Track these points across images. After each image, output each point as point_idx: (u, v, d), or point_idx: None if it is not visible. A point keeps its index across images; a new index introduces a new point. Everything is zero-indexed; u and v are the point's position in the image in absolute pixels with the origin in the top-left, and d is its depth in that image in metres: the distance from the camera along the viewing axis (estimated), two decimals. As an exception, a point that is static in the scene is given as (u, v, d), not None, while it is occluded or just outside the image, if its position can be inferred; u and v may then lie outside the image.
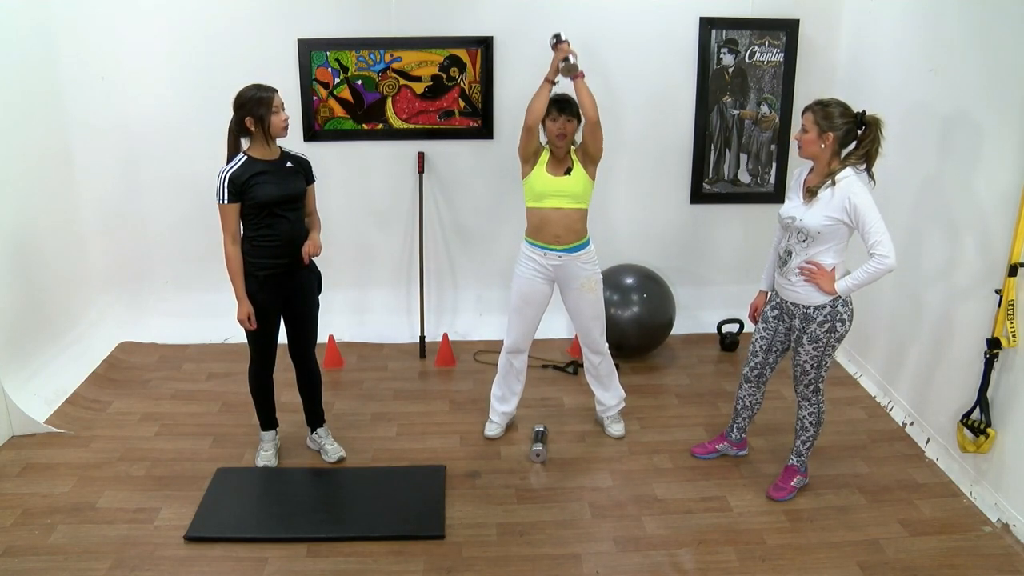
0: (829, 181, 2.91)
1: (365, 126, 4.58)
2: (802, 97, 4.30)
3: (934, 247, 3.61)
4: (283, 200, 3.14)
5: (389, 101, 4.54)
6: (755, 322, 3.36)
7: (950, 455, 3.45)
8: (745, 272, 4.82)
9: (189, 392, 4.19)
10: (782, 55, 4.57)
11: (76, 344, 4.31)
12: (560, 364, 4.52)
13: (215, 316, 4.57)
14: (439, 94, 4.54)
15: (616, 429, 3.77)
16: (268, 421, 3.52)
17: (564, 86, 3.59)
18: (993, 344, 3.12)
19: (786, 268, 3.07)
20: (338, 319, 4.72)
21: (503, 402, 3.75)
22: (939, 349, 3.59)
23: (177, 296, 4.83)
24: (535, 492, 3.36)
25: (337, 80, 4.48)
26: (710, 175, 4.79)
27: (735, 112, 4.67)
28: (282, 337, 3.38)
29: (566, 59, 3.24)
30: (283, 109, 3.10)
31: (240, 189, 3.06)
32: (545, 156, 3.40)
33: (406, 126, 4.59)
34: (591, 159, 3.38)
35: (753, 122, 4.71)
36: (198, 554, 2.95)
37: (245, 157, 3.11)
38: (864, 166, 2.93)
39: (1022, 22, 3.03)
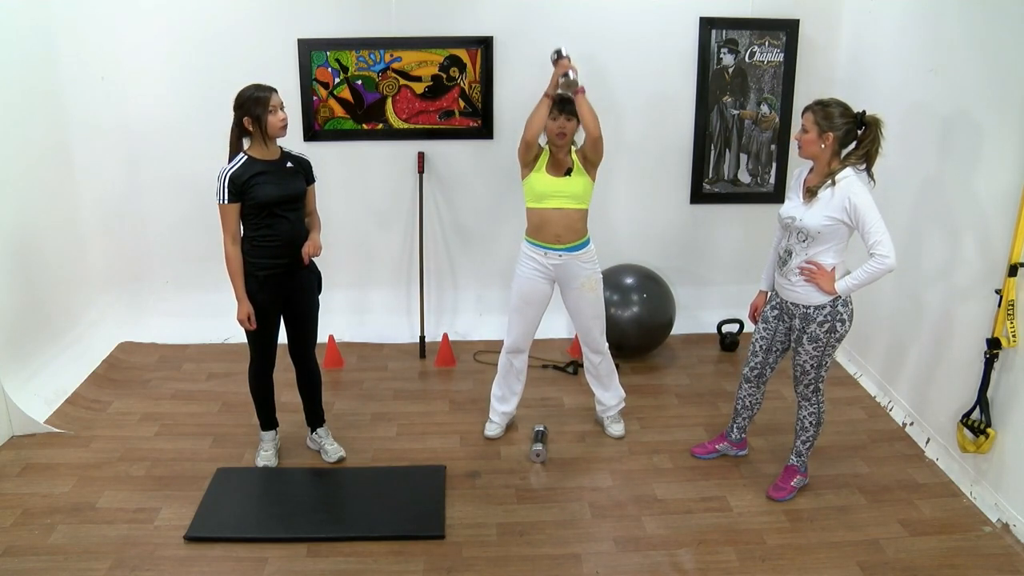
0: (829, 181, 2.91)
1: (365, 126, 4.58)
2: (802, 97, 4.30)
3: (934, 247, 3.61)
4: (283, 200, 3.14)
5: (389, 101, 4.54)
6: (755, 322, 3.36)
7: (950, 455, 3.46)
8: (745, 272, 4.82)
9: (189, 392, 4.19)
10: (782, 55, 4.58)
11: (76, 344, 4.31)
12: (560, 364, 4.52)
13: (215, 316, 4.57)
14: (439, 94, 4.54)
15: (616, 429, 3.77)
16: (268, 421, 3.52)
17: (565, 98, 3.60)
18: (993, 344, 3.12)
19: (786, 268, 3.07)
20: (338, 319, 4.72)
21: (503, 402, 3.75)
22: (939, 349, 3.59)
23: (177, 296, 4.83)
24: (535, 492, 3.36)
25: (337, 80, 4.48)
26: (710, 175, 4.79)
27: (735, 112, 4.67)
28: (282, 337, 3.38)
29: (566, 75, 3.22)
30: (281, 109, 3.10)
31: (240, 189, 3.06)
32: (545, 156, 3.40)
33: (406, 126, 4.59)
34: (591, 164, 3.38)
35: (753, 122, 4.71)
36: (198, 554, 2.95)
37: (245, 157, 3.11)
38: (864, 166, 2.93)
39: (1022, 22, 3.03)
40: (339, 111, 4.53)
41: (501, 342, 3.70)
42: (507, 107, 4.55)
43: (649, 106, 4.64)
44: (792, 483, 3.29)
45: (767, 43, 4.55)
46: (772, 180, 4.81)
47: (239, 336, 4.12)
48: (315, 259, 3.31)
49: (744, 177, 4.80)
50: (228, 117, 3.10)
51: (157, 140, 4.50)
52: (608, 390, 3.73)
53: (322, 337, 3.70)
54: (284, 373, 3.56)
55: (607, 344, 3.67)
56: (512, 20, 4.44)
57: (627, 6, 4.45)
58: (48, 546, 2.97)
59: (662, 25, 4.49)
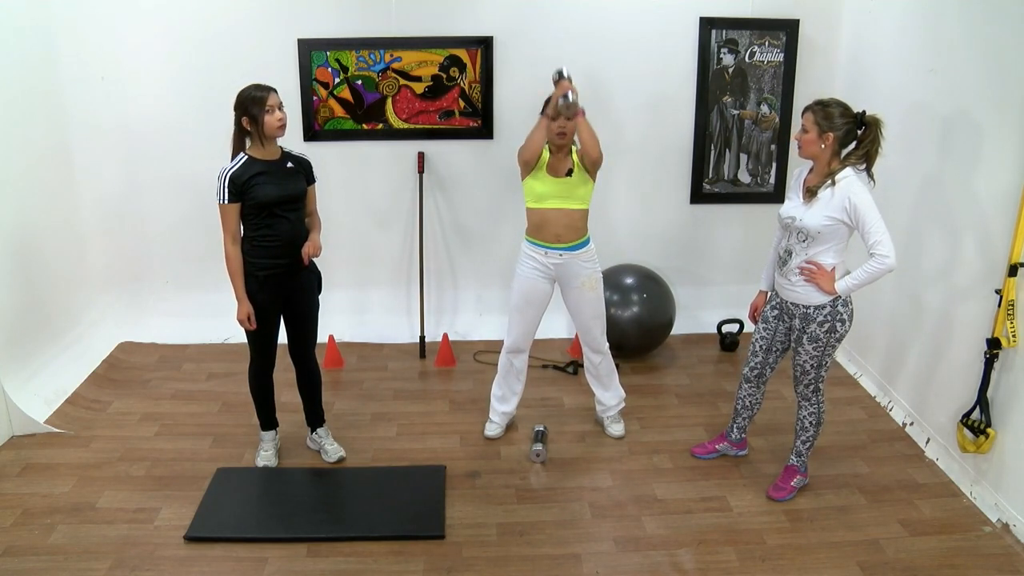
0: (829, 181, 2.91)
1: (365, 126, 4.58)
2: (802, 97, 4.30)
3: (934, 247, 3.61)
4: (283, 200, 3.14)
5: (389, 101, 4.54)
6: (755, 322, 3.36)
7: (950, 455, 3.45)
8: (745, 272, 4.82)
9: (189, 392, 4.19)
10: (782, 55, 4.58)
11: (76, 344, 4.31)
12: (560, 364, 4.52)
13: (215, 316, 4.57)
14: (439, 94, 4.54)
15: (616, 429, 3.77)
16: (268, 421, 3.52)
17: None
18: (993, 344, 3.12)
19: (786, 268, 3.07)
20: (338, 319, 4.72)
21: (503, 402, 3.75)
22: (939, 349, 3.59)
23: (177, 296, 4.83)
24: (535, 492, 3.36)
25: (337, 80, 4.48)
26: (710, 175, 4.79)
27: (735, 112, 4.67)
28: (282, 337, 3.38)
29: (565, 96, 3.20)
30: (280, 109, 3.09)
31: (240, 189, 3.06)
32: (545, 157, 3.39)
33: (406, 126, 4.59)
34: (590, 171, 3.39)
35: (753, 122, 4.71)
36: (198, 554, 2.95)
37: (246, 157, 3.11)
38: (864, 166, 2.93)
39: (1022, 22, 3.03)
40: (339, 111, 4.54)
41: (501, 342, 3.70)
42: (507, 107, 4.56)
43: (649, 106, 4.64)
44: (792, 483, 3.30)
45: (767, 43, 4.56)
46: (772, 180, 4.81)
47: (239, 336, 4.12)
48: (315, 259, 3.30)
49: (744, 177, 4.80)
50: (228, 117, 3.11)
51: (157, 140, 4.50)
52: (608, 390, 3.73)
53: (322, 337, 3.70)
54: (284, 373, 3.56)
55: (608, 344, 3.67)
56: (512, 20, 4.44)
57: (627, 6, 4.45)
58: (48, 546, 2.97)
59: (662, 25, 4.49)
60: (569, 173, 3.36)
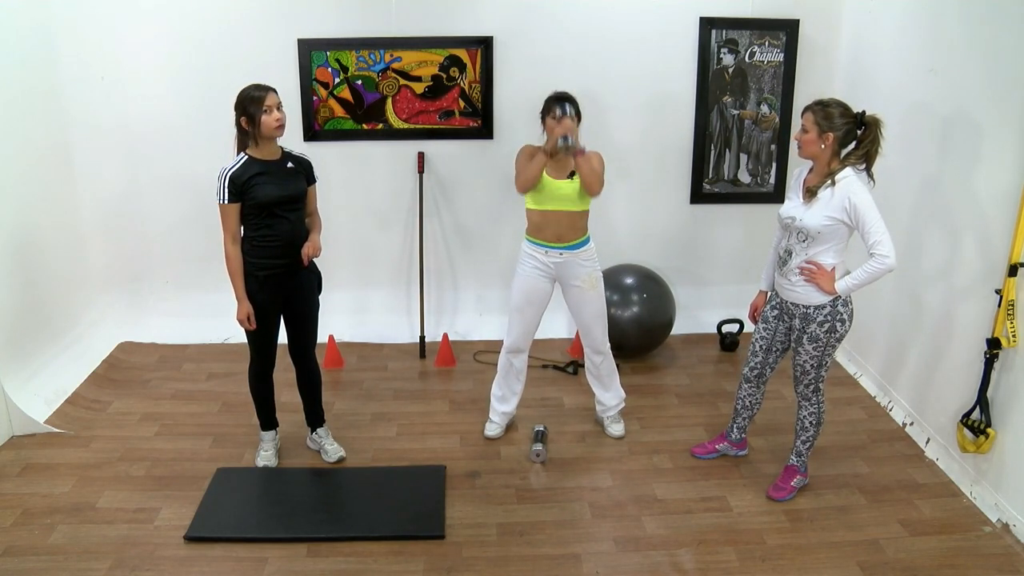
0: (829, 181, 2.91)
1: (365, 126, 4.58)
2: (802, 97, 4.30)
3: (934, 247, 3.61)
4: (283, 200, 3.14)
5: (389, 101, 4.54)
6: (755, 322, 3.36)
7: (950, 455, 3.45)
8: (745, 272, 4.82)
9: (189, 392, 4.19)
10: (782, 55, 4.58)
11: (76, 344, 4.31)
12: (560, 364, 4.52)
13: (215, 316, 4.57)
14: (439, 94, 4.54)
15: (616, 429, 3.77)
16: (268, 421, 3.52)
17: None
18: (993, 344, 3.12)
19: (786, 268, 3.07)
20: (338, 319, 4.72)
21: (503, 402, 3.75)
22: (939, 349, 3.59)
23: (177, 296, 4.83)
24: (535, 492, 3.36)
25: (337, 80, 4.48)
26: (710, 175, 4.79)
27: (735, 112, 4.67)
28: (282, 337, 3.38)
29: (565, 138, 3.19)
30: (278, 109, 3.09)
31: (240, 189, 3.06)
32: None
33: (406, 126, 4.59)
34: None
35: (753, 122, 4.71)
36: (198, 554, 2.95)
37: (246, 157, 3.11)
38: (864, 166, 2.93)
39: (1022, 22, 3.03)
40: (339, 111, 4.54)
41: (501, 342, 3.70)
42: (507, 107, 4.56)
43: (649, 106, 4.64)
44: (792, 483, 3.30)
45: (767, 43, 4.56)
46: (772, 180, 4.81)
47: (239, 336, 4.12)
48: (315, 259, 3.30)
49: (744, 177, 4.80)
50: (228, 117, 3.11)
51: (157, 140, 4.50)
52: (609, 390, 3.73)
53: (322, 337, 3.70)
54: (284, 373, 3.56)
55: (609, 344, 3.66)
56: (512, 20, 4.44)
57: (627, 6, 4.45)
58: (48, 546, 2.97)
59: (662, 25, 4.49)
60: (571, 175, 3.35)
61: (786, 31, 4.53)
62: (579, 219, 3.41)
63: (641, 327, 4.43)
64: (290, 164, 3.20)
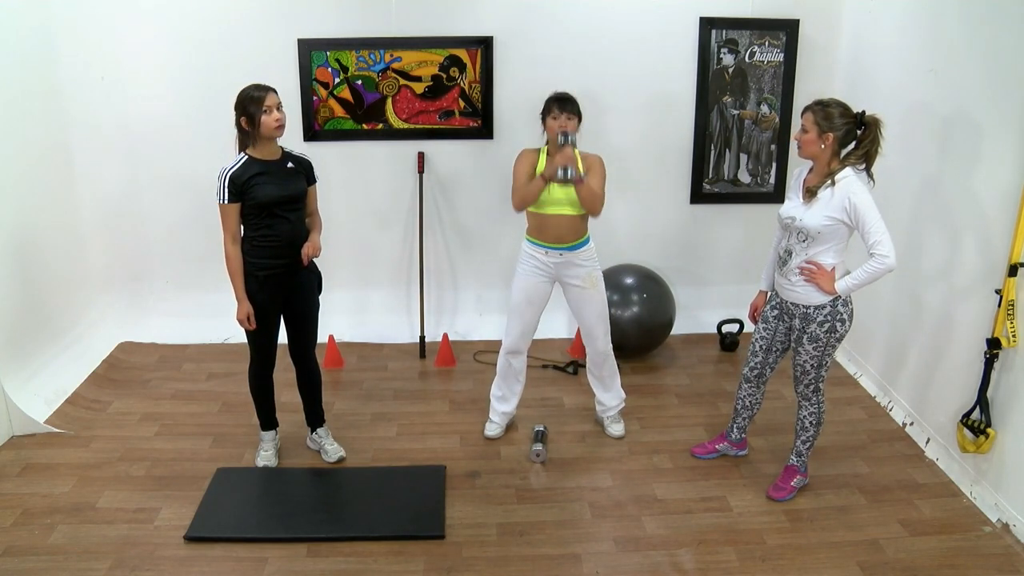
0: (829, 181, 2.91)
1: (365, 126, 4.58)
2: (802, 97, 4.30)
3: (934, 247, 3.61)
4: (283, 200, 3.14)
5: (389, 101, 4.54)
6: (755, 322, 3.36)
7: (950, 455, 3.45)
8: (745, 272, 4.82)
9: (189, 392, 4.19)
10: (782, 55, 4.57)
11: (76, 344, 4.31)
12: (560, 364, 4.52)
13: (215, 316, 4.57)
14: (439, 94, 4.54)
15: (616, 429, 3.77)
16: (268, 421, 3.52)
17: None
18: (993, 344, 3.12)
19: (786, 268, 3.07)
20: (338, 319, 4.72)
21: (503, 402, 3.75)
22: (939, 349, 3.59)
23: (177, 296, 4.83)
24: (535, 492, 3.36)
25: (337, 80, 4.48)
26: (710, 175, 4.79)
27: (735, 112, 4.67)
28: (282, 337, 3.38)
29: (565, 169, 3.19)
30: (278, 109, 3.08)
31: (240, 189, 3.06)
32: (543, 159, 3.38)
33: (406, 126, 4.59)
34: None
35: (753, 122, 4.71)
36: (198, 554, 2.95)
37: (246, 157, 3.11)
38: (864, 166, 2.93)
39: (1022, 22, 3.03)
40: (339, 111, 4.54)
41: (501, 342, 3.70)
42: (507, 107, 4.56)
43: (649, 106, 4.64)
44: (792, 483, 3.29)
45: (767, 43, 4.55)
46: (772, 180, 4.81)
47: (239, 336, 4.12)
48: (315, 259, 3.30)
49: (744, 177, 4.80)
50: (228, 117, 3.11)
51: (157, 140, 4.50)
52: (609, 391, 3.73)
53: (322, 337, 3.70)
54: (284, 373, 3.56)
55: (612, 345, 3.66)
56: (512, 20, 4.44)
57: (627, 6, 4.45)
58: (48, 546, 2.97)
59: (662, 25, 4.49)
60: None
61: (786, 31, 4.53)
62: (579, 222, 3.41)
63: (641, 327, 4.43)
64: (290, 164, 3.20)
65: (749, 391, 3.44)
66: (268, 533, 3.05)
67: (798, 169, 3.15)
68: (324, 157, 4.32)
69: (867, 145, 2.89)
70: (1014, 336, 3.04)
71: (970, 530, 3.09)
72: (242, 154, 3.12)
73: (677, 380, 4.38)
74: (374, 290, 4.90)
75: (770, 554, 2.96)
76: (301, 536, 3.03)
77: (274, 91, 3.09)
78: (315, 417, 3.59)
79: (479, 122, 4.60)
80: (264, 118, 3.04)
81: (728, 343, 4.72)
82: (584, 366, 4.29)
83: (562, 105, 3.30)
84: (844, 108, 2.90)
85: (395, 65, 4.47)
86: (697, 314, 4.92)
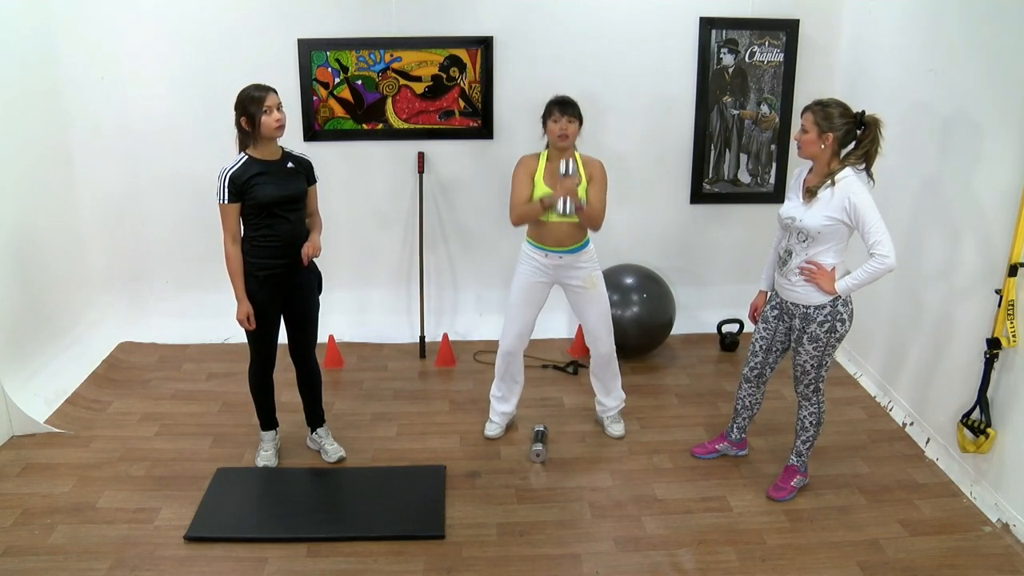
0: (829, 181, 2.91)
1: (365, 126, 4.58)
2: (802, 97, 4.30)
3: (934, 247, 3.61)
4: (283, 200, 3.14)
5: (389, 101, 4.54)
6: (755, 322, 3.36)
7: (950, 455, 3.45)
8: (745, 272, 4.81)
9: (189, 392, 4.19)
10: (782, 55, 4.57)
11: (76, 344, 4.31)
12: (560, 364, 4.52)
13: (215, 316, 4.56)
14: (439, 94, 4.54)
15: (616, 429, 3.77)
16: (268, 421, 3.52)
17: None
18: (993, 344, 3.12)
19: (786, 268, 3.07)
20: (338, 319, 4.72)
21: (502, 402, 3.75)
22: (939, 349, 3.59)
23: (177, 296, 4.83)
24: (535, 492, 3.36)
25: (337, 80, 4.48)
26: (710, 175, 4.79)
27: (735, 112, 4.67)
28: (282, 337, 3.38)
29: (564, 201, 3.21)
30: (278, 109, 3.08)
31: (240, 189, 3.06)
32: (542, 165, 3.37)
33: (406, 126, 4.59)
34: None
35: (753, 122, 4.71)
36: (198, 554, 2.95)
37: (246, 157, 3.11)
38: (863, 166, 2.93)
39: (1022, 22, 3.03)
40: (339, 111, 4.53)
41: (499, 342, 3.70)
42: (507, 107, 4.56)
43: (649, 106, 4.64)
44: (792, 483, 3.29)
45: (767, 43, 4.55)
46: (772, 180, 4.81)
47: (239, 336, 4.12)
48: (315, 259, 3.30)
49: (744, 177, 4.80)
50: (228, 117, 3.11)
51: (157, 140, 4.50)
52: (610, 392, 3.73)
53: (322, 337, 3.70)
54: (284, 373, 3.56)
55: (615, 347, 3.65)
56: (512, 20, 4.44)
57: (627, 6, 4.45)
58: (48, 546, 2.97)
59: (662, 25, 4.49)
60: None
61: (786, 31, 4.53)
62: (579, 227, 3.41)
63: (641, 327, 4.43)
64: (290, 164, 3.20)
65: (749, 391, 3.44)
66: (268, 533, 3.05)
67: (798, 169, 3.15)
68: (324, 157, 4.31)
69: (867, 145, 2.89)
70: (1014, 336, 3.04)
71: (970, 530, 3.09)
72: (242, 154, 3.12)
73: (677, 380, 4.38)
74: (374, 290, 4.90)
75: (770, 554, 2.96)
76: (301, 536, 3.03)
77: (274, 91, 3.09)
78: (315, 417, 3.59)
79: (479, 122, 4.60)
80: (264, 118, 3.04)
81: (728, 343, 4.72)
82: (584, 366, 4.29)
83: (563, 108, 3.30)
84: (844, 108, 2.90)
85: (395, 65, 4.47)
86: (697, 314, 4.92)
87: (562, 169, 3.23)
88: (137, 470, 3.47)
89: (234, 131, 3.13)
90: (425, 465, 3.52)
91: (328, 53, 4.42)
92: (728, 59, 4.57)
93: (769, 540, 3.04)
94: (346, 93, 4.50)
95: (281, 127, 3.10)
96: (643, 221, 4.85)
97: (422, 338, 4.67)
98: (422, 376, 4.44)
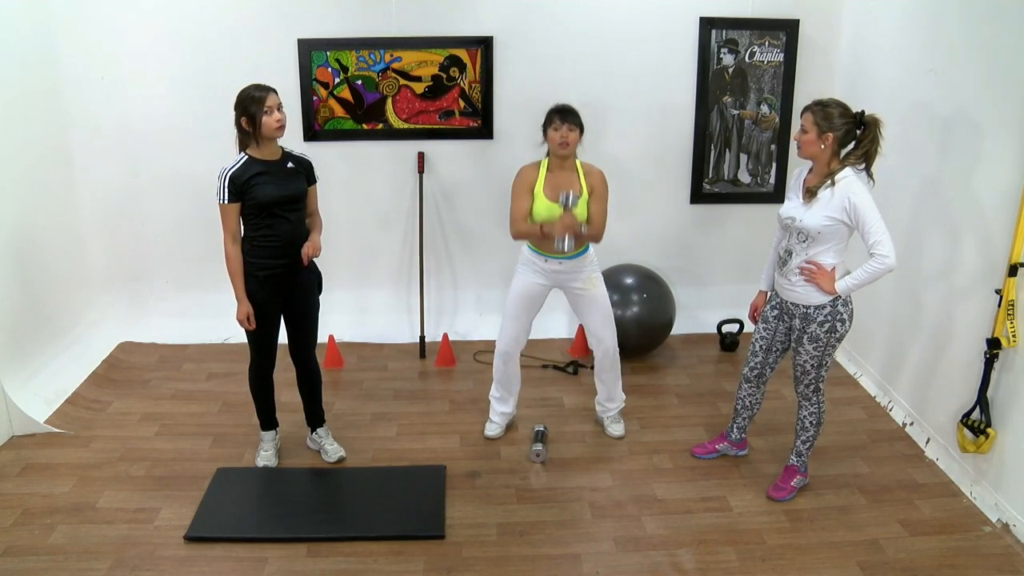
0: (828, 181, 2.91)
1: (365, 126, 4.58)
2: (802, 97, 4.30)
3: (934, 247, 3.61)
4: (283, 200, 3.14)
5: (389, 101, 4.54)
6: (755, 322, 3.36)
7: (950, 455, 3.45)
8: (745, 272, 4.81)
9: (189, 392, 4.19)
10: (782, 55, 4.57)
11: (76, 344, 4.31)
12: (560, 364, 4.52)
13: (215, 316, 4.56)
14: (439, 94, 4.54)
15: (616, 429, 3.77)
16: (268, 421, 3.52)
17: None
18: (993, 344, 3.12)
19: (786, 268, 3.07)
20: (338, 319, 4.71)
21: (502, 403, 3.75)
22: (939, 349, 3.59)
23: (177, 296, 4.83)
24: (535, 492, 3.36)
25: (337, 80, 4.48)
26: (710, 175, 4.79)
27: (735, 112, 4.67)
28: (282, 337, 3.38)
29: (563, 239, 3.22)
30: (278, 110, 3.08)
31: (240, 189, 3.06)
32: (542, 175, 3.36)
33: (406, 126, 4.59)
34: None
35: (753, 122, 4.71)
36: (198, 554, 2.95)
37: (246, 157, 3.11)
38: (863, 166, 2.93)
39: (1022, 22, 3.03)
40: (339, 111, 4.53)
41: (498, 343, 3.70)
42: (507, 107, 4.56)
43: (649, 106, 4.64)
44: (792, 483, 3.29)
45: (767, 43, 4.55)
46: (772, 180, 4.81)
47: (239, 336, 4.12)
48: (315, 259, 3.30)
49: (744, 177, 4.80)
50: (228, 117, 3.11)
51: (157, 140, 4.50)
52: (612, 392, 3.73)
53: (322, 337, 3.70)
54: (284, 373, 3.56)
55: (618, 348, 3.65)
56: (512, 20, 4.44)
57: (627, 6, 4.45)
58: (48, 546, 2.97)
59: (662, 25, 4.49)
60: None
61: (786, 31, 4.53)
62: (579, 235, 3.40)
63: (641, 327, 4.43)
64: (290, 164, 3.20)
65: (749, 391, 3.44)
66: (268, 533, 3.05)
67: (798, 169, 3.15)
68: (324, 157, 4.31)
69: (867, 145, 2.89)
70: (1014, 336, 3.04)
71: (970, 530, 3.09)
72: (242, 154, 3.12)
73: (677, 380, 4.38)
74: (374, 290, 4.90)
75: (770, 554, 2.96)
76: (301, 536, 3.03)
77: (275, 91, 3.09)
78: (315, 417, 3.59)
79: (479, 122, 4.60)
80: (265, 118, 3.04)
81: (728, 343, 4.72)
82: (584, 366, 4.30)
83: (563, 116, 3.28)
84: (844, 108, 2.90)
85: (395, 65, 4.47)
86: (697, 314, 4.92)
87: (561, 200, 3.22)
88: (137, 470, 3.47)
89: (234, 131, 3.13)
90: (425, 465, 3.52)
91: (328, 53, 4.42)
92: (728, 59, 4.57)
93: (769, 540, 3.04)
94: (346, 93, 4.50)
95: (281, 127, 3.10)
96: (643, 221, 4.85)
97: (422, 338, 4.67)
98: (422, 376, 4.44)
